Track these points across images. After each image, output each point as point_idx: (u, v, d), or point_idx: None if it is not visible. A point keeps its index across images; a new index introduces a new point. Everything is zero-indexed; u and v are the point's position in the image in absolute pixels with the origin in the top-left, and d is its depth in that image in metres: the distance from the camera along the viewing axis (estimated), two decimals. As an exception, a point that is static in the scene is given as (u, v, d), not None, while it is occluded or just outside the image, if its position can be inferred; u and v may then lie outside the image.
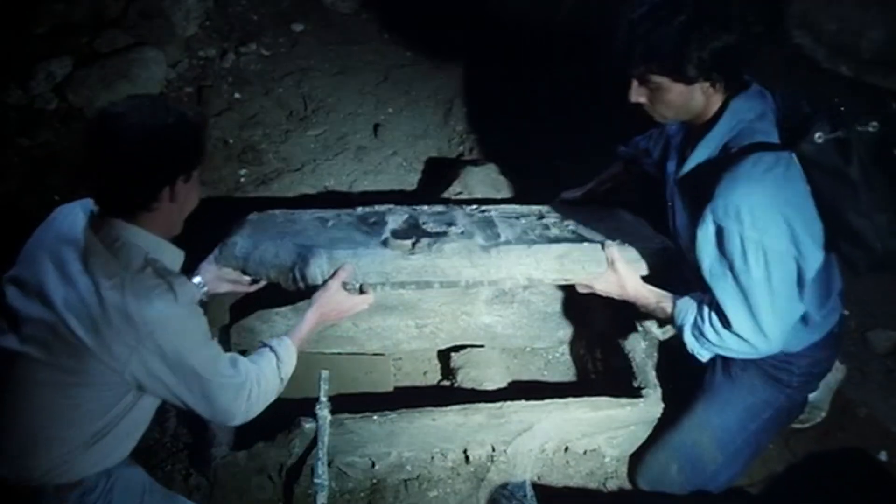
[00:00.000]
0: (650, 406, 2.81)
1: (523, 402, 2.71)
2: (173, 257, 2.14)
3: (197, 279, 2.58)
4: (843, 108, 2.21)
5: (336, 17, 5.15)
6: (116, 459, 2.17)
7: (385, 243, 2.67)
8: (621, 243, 2.70)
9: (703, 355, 2.50)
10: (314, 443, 2.54)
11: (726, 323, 2.35)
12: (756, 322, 2.32)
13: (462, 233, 2.77)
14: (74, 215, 2.11)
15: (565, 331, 3.32)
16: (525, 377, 3.27)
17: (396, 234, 2.73)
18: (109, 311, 1.94)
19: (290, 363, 2.36)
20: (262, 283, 2.73)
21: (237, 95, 4.45)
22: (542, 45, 4.72)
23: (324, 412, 2.54)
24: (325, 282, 2.53)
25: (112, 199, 2.04)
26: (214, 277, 2.64)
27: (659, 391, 2.83)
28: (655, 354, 2.94)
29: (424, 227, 2.82)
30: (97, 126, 1.99)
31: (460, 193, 4.03)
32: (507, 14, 4.90)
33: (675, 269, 2.67)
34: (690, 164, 2.40)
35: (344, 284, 2.53)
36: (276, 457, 2.64)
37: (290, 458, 2.64)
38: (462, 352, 3.22)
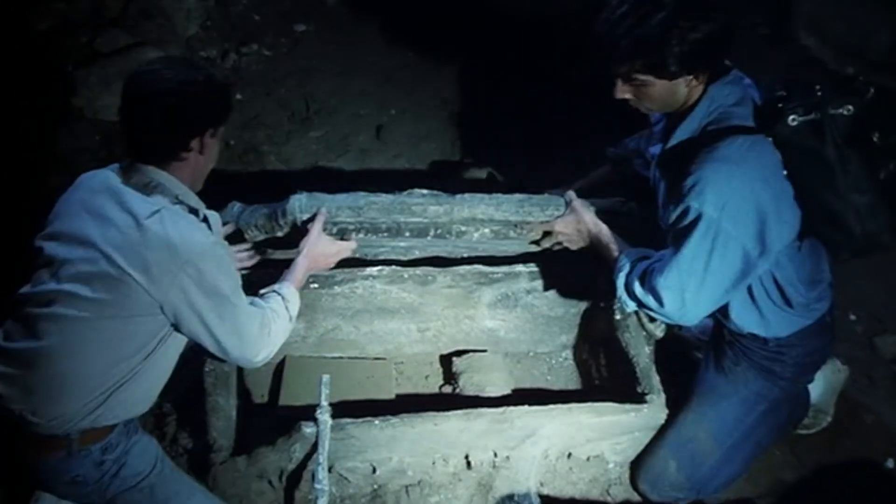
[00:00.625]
0: (654, 412, 2.82)
1: (526, 407, 2.72)
2: (197, 205, 2.26)
3: None
4: (819, 92, 2.27)
5: (339, 17, 5.17)
6: (138, 411, 2.28)
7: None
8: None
9: (629, 305, 2.55)
10: (315, 447, 2.54)
11: (656, 281, 2.41)
12: (681, 291, 2.37)
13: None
14: (102, 174, 2.23)
15: (568, 335, 3.34)
16: (528, 382, 3.28)
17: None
18: (151, 241, 2.06)
19: (295, 303, 2.49)
20: (255, 258, 2.86)
21: (238, 96, 4.47)
22: (547, 44, 4.75)
23: (324, 416, 2.54)
24: (304, 224, 2.70)
25: (146, 147, 2.18)
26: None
27: (663, 397, 2.84)
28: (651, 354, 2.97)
29: None
30: (135, 79, 2.14)
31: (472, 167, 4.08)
32: (511, 13, 4.93)
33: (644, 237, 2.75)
34: (669, 145, 2.46)
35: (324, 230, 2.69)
36: (277, 461, 2.65)
37: (290, 462, 2.66)
38: (464, 356, 3.23)
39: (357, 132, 4.40)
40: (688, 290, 2.36)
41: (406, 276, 3.08)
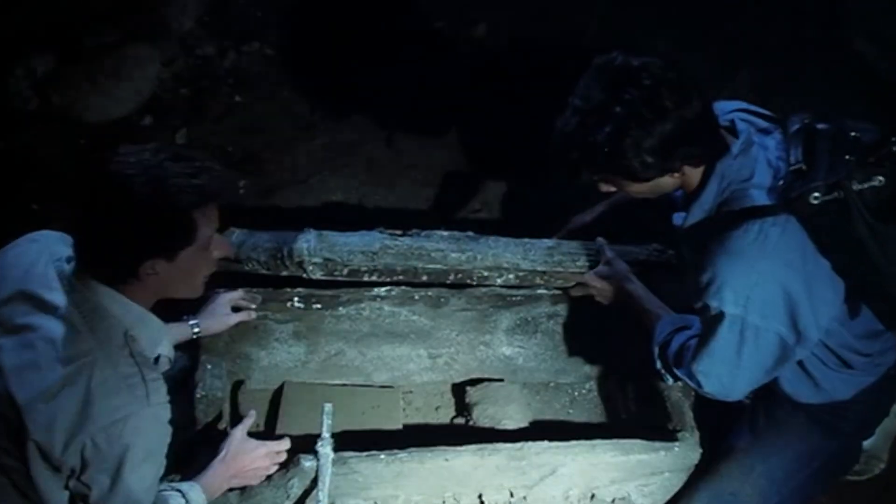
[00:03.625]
0: (686, 451, 2.82)
1: (546, 443, 2.72)
2: (153, 334, 2.18)
3: (192, 321, 2.74)
4: (847, 157, 2.22)
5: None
6: None
7: (377, 231, 2.95)
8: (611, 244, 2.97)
9: (667, 378, 2.66)
10: (314, 483, 2.55)
11: (691, 364, 2.48)
12: (717, 377, 2.45)
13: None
14: (44, 257, 2.14)
15: (593, 365, 3.34)
16: (548, 415, 3.27)
17: (388, 227, 3.00)
18: (67, 395, 1.96)
19: None
20: (255, 311, 2.89)
21: (238, 98, 4.50)
22: (568, 66, 4.76)
23: (326, 449, 2.55)
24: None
25: (90, 261, 2.08)
26: (210, 316, 2.78)
27: (697, 435, 2.84)
28: (693, 393, 2.96)
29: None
30: (94, 175, 2.02)
31: (479, 211, 4.08)
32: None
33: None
34: (689, 223, 2.47)
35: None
36: (272, 498, 2.63)
37: (287, 499, 2.64)
38: (479, 386, 3.23)
39: (366, 140, 4.42)
40: (724, 377, 2.43)
41: (417, 297, 3.10)
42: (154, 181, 1.95)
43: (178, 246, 2.05)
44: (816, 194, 2.21)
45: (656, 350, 2.64)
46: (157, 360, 2.22)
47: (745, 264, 2.28)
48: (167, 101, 4.48)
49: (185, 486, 2.32)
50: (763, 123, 2.45)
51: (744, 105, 2.54)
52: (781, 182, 2.30)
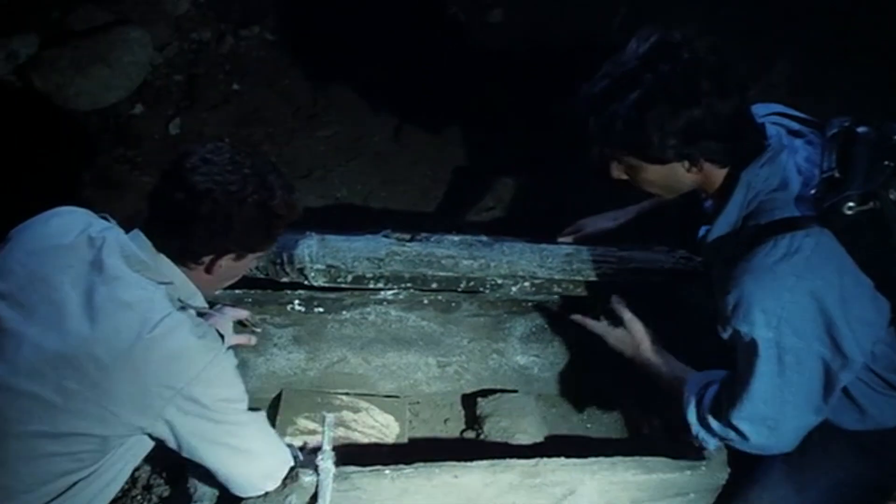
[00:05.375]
0: (714, 471, 2.80)
1: (562, 459, 2.71)
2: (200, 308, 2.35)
3: None
4: (886, 164, 2.18)
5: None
6: None
7: (383, 235, 2.97)
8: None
9: (710, 442, 2.57)
10: (314, 500, 2.54)
11: (730, 413, 2.40)
12: (762, 420, 2.37)
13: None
14: (89, 224, 2.24)
15: (613, 376, 3.32)
16: (564, 430, 3.28)
17: (396, 230, 3.02)
18: (150, 351, 2.07)
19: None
20: (257, 336, 2.90)
21: (236, 87, 4.51)
22: (590, 55, 4.75)
23: (327, 463, 2.54)
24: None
25: (163, 239, 2.22)
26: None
27: (724, 453, 2.81)
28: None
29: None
30: (177, 166, 2.19)
31: (492, 209, 4.07)
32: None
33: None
34: (713, 236, 2.42)
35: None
36: (269, 515, 2.66)
37: (284, 517, 2.66)
38: (491, 397, 3.23)
39: (372, 132, 4.43)
40: (770, 418, 2.35)
41: (426, 301, 3.11)
42: (263, 190, 2.20)
43: (254, 250, 2.30)
44: (851, 204, 2.15)
45: (692, 412, 2.55)
46: None
47: (774, 282, 2.21)
48: (160, 88, 4.49)
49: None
50: (795, 126, 2.41)
51: (780, 108, 2.50)
52: (813, 191, 2.24)
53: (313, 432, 2.83)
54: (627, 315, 2.85)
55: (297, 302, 3.02)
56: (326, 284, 2.91)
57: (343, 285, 2.91)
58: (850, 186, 2.17)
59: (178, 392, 2.09)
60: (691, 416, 2.55)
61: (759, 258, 2.24)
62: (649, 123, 2.17)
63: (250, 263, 2.38)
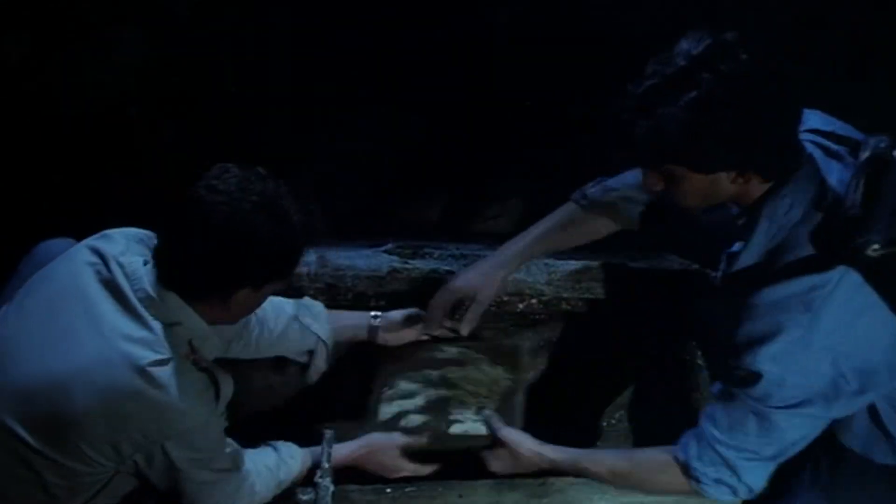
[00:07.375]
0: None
1: (570, 478, 2.71)
2: (213, 350, 2.33)
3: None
4: None
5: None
6: None
7: (384, 250, 3.01)
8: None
9: (710, 490, 2.44)
10: (312, 519, 2.55)
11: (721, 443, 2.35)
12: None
13: None
14: (90, 259, 2.22)
15: (623, 393, 3.33)
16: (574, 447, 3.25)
17: (398, 242, 3.07)
18: (133, 400, 2.06)
19: (293, 472, 2.58)
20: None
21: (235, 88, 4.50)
22: (616, 43, 4.74)
23: (325, 481, 2.55)
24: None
25: (171, 276, 2.17)
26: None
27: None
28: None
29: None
30: (180, 198, 2.14)
31: (498, 217, 4.07)
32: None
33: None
34: (737, 266, 2.35)
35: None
36: (266, 535, 2.64)
37: (282, 537, 2.65)
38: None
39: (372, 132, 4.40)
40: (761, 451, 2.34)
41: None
42: (276, 217, 2.12)
43: (273, 280, 2.24)
44: (875, 246, 2.08)
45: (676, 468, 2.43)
46: None
47: (789, 321, 2.17)
48: (156, 90, 4.47)
49: (280, 443, 2.58)
50: (834, 147, 2.31)
51: (820, 119, 2.40)
52: (842, 227, 2.15)
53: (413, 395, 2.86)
54: (501, 431, 2.75)
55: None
56: (325, 302, 2.89)
57: (343, 303, 2.91)
58: (874, 228, 2.09)
59: (152, 443, 2.11)
60: (686, 471, 2.43)
61: (775, 295, 2.20)
62: (705, 127, 2.07)
63: (269, 292, 2.31)
